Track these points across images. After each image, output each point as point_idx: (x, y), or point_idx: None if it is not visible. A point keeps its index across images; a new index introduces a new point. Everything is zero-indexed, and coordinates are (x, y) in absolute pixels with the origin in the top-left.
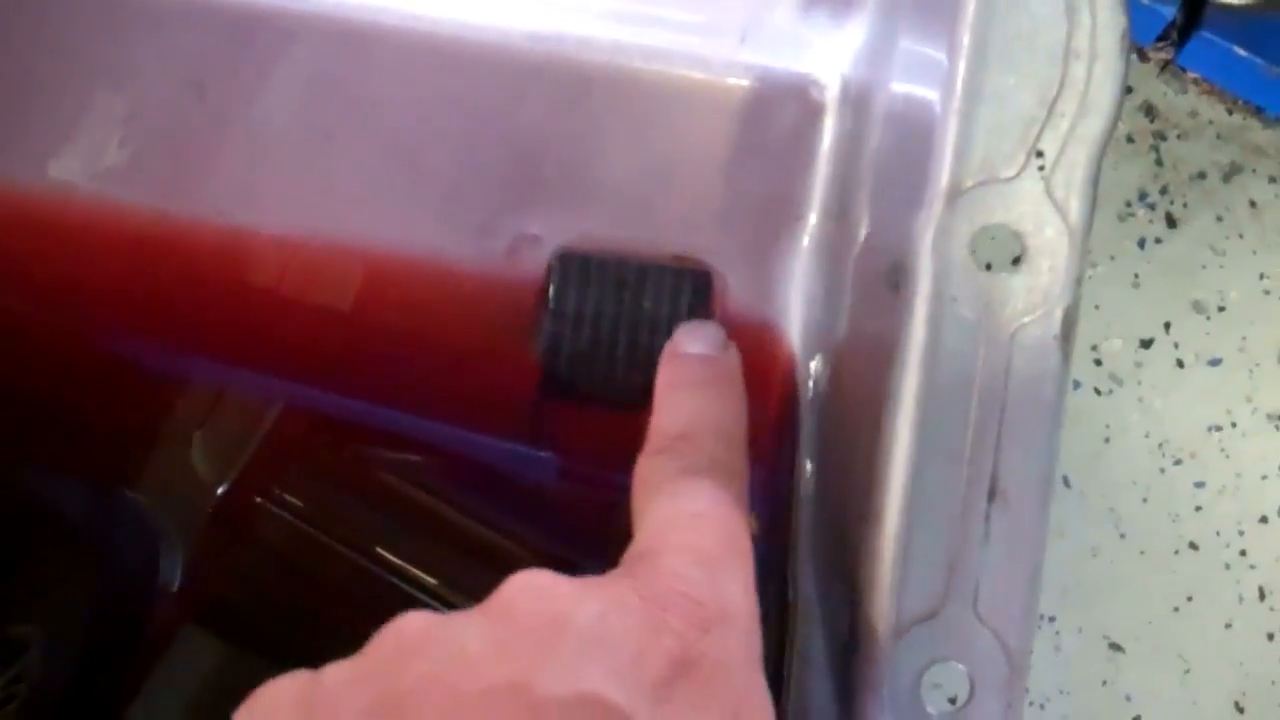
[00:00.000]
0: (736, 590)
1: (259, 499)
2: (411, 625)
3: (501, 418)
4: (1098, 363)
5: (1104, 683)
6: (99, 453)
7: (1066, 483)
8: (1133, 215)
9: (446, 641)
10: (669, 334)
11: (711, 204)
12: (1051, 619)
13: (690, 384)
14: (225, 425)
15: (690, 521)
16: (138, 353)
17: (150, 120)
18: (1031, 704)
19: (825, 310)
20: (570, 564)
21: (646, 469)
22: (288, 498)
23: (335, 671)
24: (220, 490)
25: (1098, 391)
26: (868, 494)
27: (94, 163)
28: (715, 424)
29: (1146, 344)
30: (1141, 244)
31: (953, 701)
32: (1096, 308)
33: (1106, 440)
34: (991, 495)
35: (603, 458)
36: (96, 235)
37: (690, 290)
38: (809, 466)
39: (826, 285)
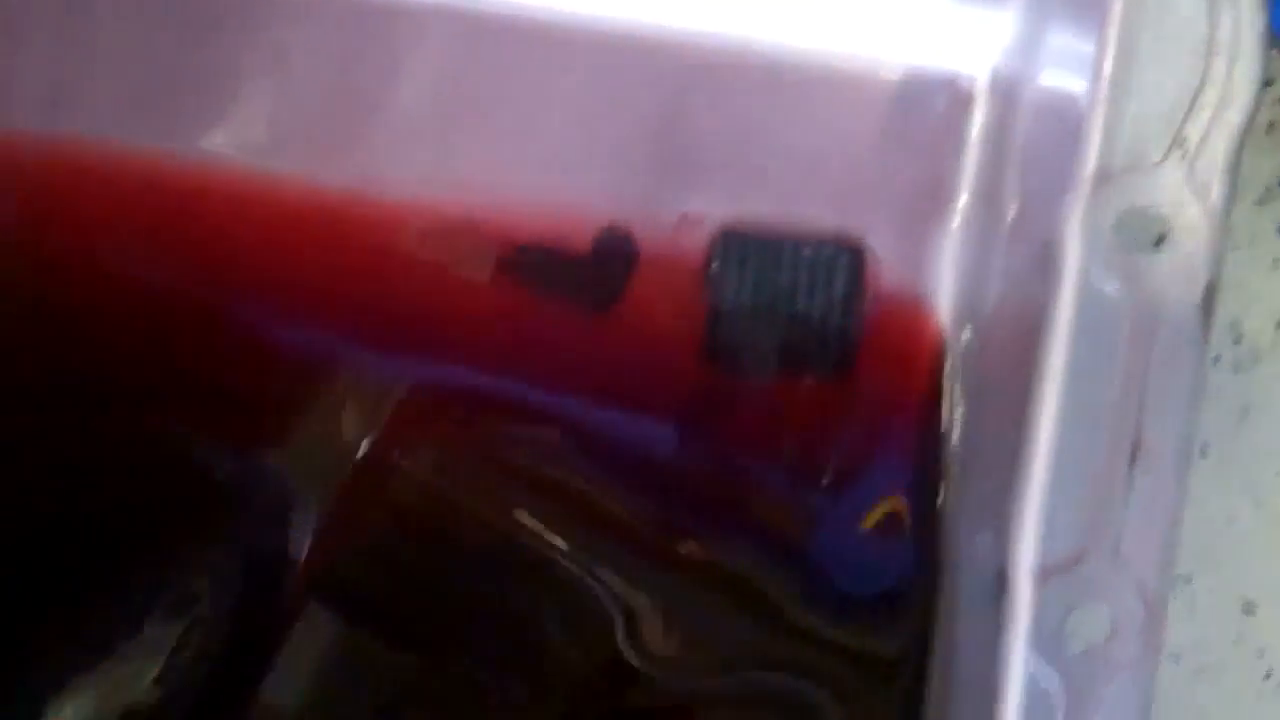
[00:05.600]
0: None
1: (396, 456)
2: None
3: (652, 394)
4: (1237, 341)
5: (1236, 639)
6: (243, 422)
7: (1204, 453)
8: (1273, 200)
9: None
10: (825, 307)
11: (865, 187)
12: (1188, 579)
13: None
14: (367, 393)
15: None
16: (281, 325)
17: (297, 98)
18: (1168, 656)
19: (974, 286)
20: (692, 535)
21: None
22: (421, 460)
23: None
24: (361, 451)
25: (1236, 368)
26: (1015, 456)
27: (243, 136)
28: None
29: None
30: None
31: (1094, 643)
32: (1237, 286)
33: (1244, 415)
34: (1134, 457)
35: (736, 443)
36: (242, 208)
37: (845, 267)
38: (956, 434)
39: (975, 263)
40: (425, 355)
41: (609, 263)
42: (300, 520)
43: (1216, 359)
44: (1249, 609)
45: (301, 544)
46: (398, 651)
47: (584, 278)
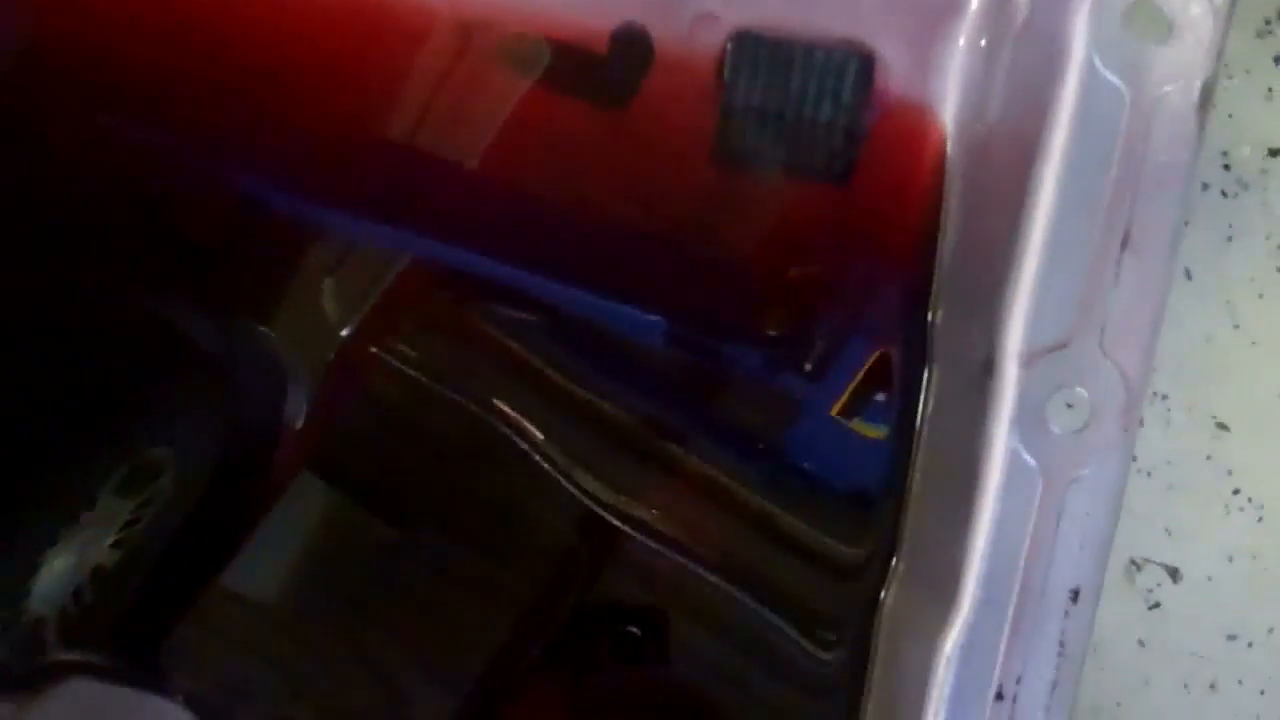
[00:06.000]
0: None
1: (375, 349)
2: None
3: (663, 192)
4: (1226, 168)
5: (1208, 457)
6: (232, 288)
7: (1188, 275)
8: (1271, 33)
9: None
10: (832, 110)
11: None
12: (1164, 397)
13: None
14: (354, 273)
15: None
16: (272, 193)
17: None
18: (1140, 471)
19: (980, 94)
20: (668, 429)
21: None
22: (404, 349)
23: None
24: (343, 334)
25: (1224, 194)
26: (1009, 240)
27: None
28: None
29: (1274, 153)
30: (1277, 60)
31: (1074, 422)
32: (1230, 116)
33: (1229, 239)
34: (1124, 243)
35: (712, 325)
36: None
37: (854, 70)
38: (954, 239)
39: (983, 71)
40: (414, 235)
41: (625, 60)
42: (292, 393)
43: (1205, 186)
44: (1222, 427)
45: (293, 417)
46: (381, 524)
47: (600, 76)
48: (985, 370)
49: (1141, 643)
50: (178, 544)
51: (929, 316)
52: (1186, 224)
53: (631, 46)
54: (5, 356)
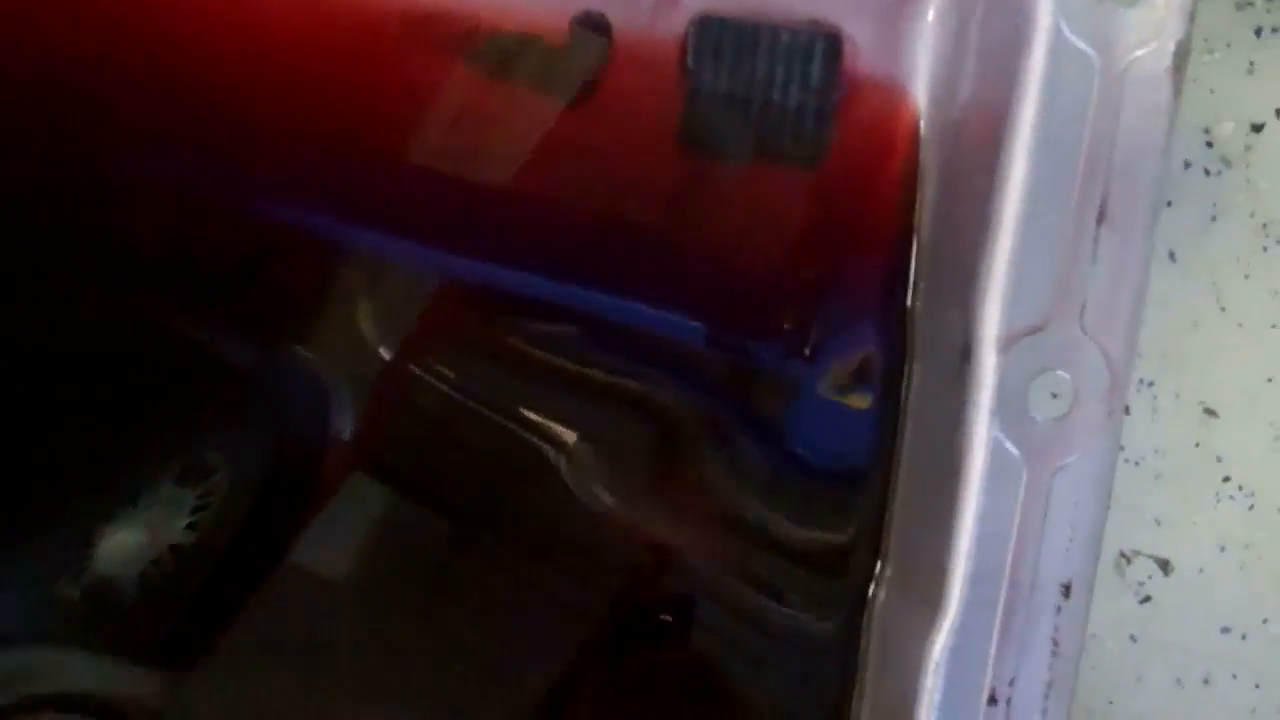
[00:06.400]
0: None
1: (415, 369)
2: None
3: (631, 184)
4: (1209, 144)
5: (1197, 444)
6: (269, 313)
7: (1172, 257)
8: (1251, 4)
9: None
10: (800, 94)
11: None
12: (1150, 383)
13: None
14: (388, 293)
15: None
16: (303, 217)
17: None
18: (1128, 461)
19: (950, 72)
20: (708, 420)
21: None
22: (442, 369)
23: None
24: (385, 357)
25: (1207, 172)
26: (982, 221)
27: None
28: None
29: (1258, 128)
30: (1258, 32)
31: (1056, 408)
32: (1211, 92)
33: (1213, 219)
34: (1101, 218)
35: (749, 330)
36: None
37: (822, 52)
38: (928, 222)
39: (952, 48)
40: (442, 253)
41: (584, 51)
42: (336, 409)
43: (1187, 164)
44: (1210, 413)
45: (339, 430)
46: (434, 517)
47: (558, 67)
48: (964, 357)
49: (1133, 638)
50: (245, 530)
51: (908, 302)
52: (1169, 204)
53: (591, 35)
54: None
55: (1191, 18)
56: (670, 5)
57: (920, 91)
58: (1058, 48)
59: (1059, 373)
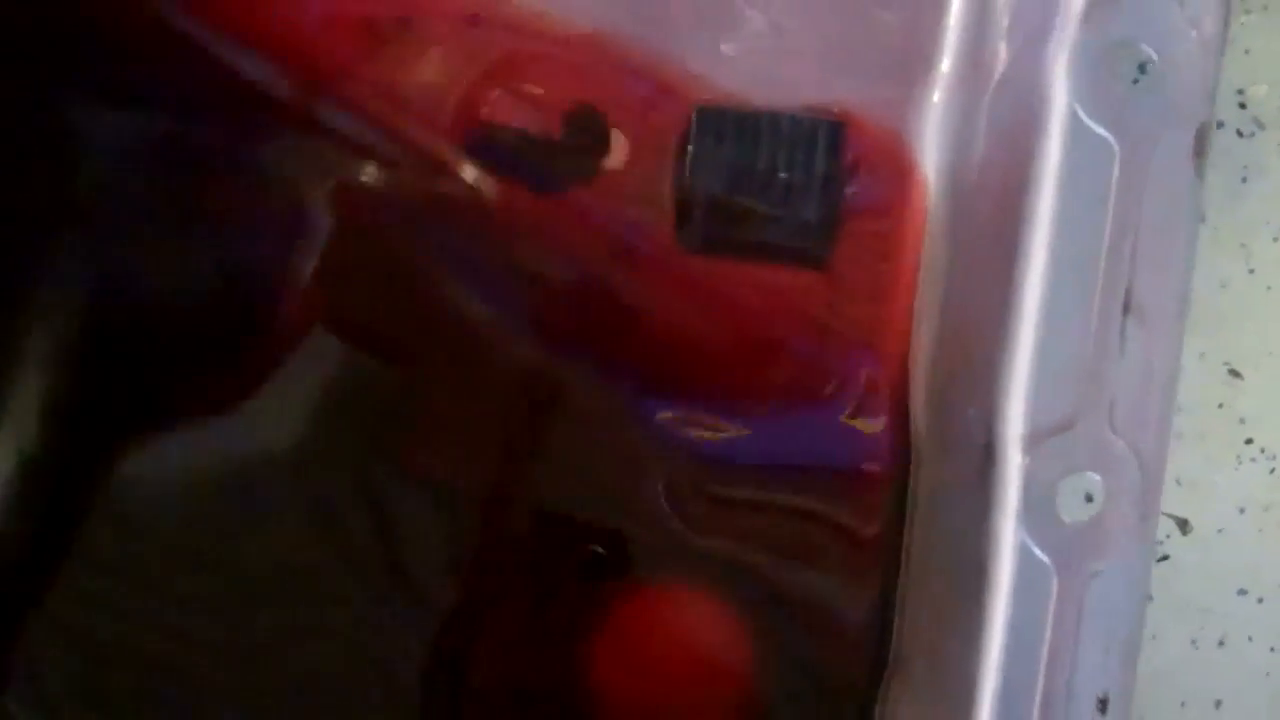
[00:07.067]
0: None
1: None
2: None
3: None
4: (1242, 106)
5: (1220, 405)
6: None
7: (1203, 218)
8: None
9: None
10: (805, 183)
11: (845, 54)
12: None
13: None
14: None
15: None
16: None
17: None
18: None
19: (959, 150)
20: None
21: None
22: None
23: None
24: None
25: (1239, 133)
26: (1001, 313)
27: None
28: None
29: None
30: None
31: (1087, 510)
32: (1246, 53)
33: (1244, 180)
34: (1127, 309)
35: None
36: None
37: (825, 138)
38: (941, 304)
39: (963, 128)
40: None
41: (580, 142)
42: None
43: (1220, 124)
44: (1235, 375)
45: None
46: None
47: (554, 158)
48: (986, 456)
49: (1149, 596)
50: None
51: (918, 398)
52: None
53: (586, 128)
54: None
55: (1212, 99)
56: (666, 95)
57: (929, 177)
58: (1075, 132)
59: (1088, 473)
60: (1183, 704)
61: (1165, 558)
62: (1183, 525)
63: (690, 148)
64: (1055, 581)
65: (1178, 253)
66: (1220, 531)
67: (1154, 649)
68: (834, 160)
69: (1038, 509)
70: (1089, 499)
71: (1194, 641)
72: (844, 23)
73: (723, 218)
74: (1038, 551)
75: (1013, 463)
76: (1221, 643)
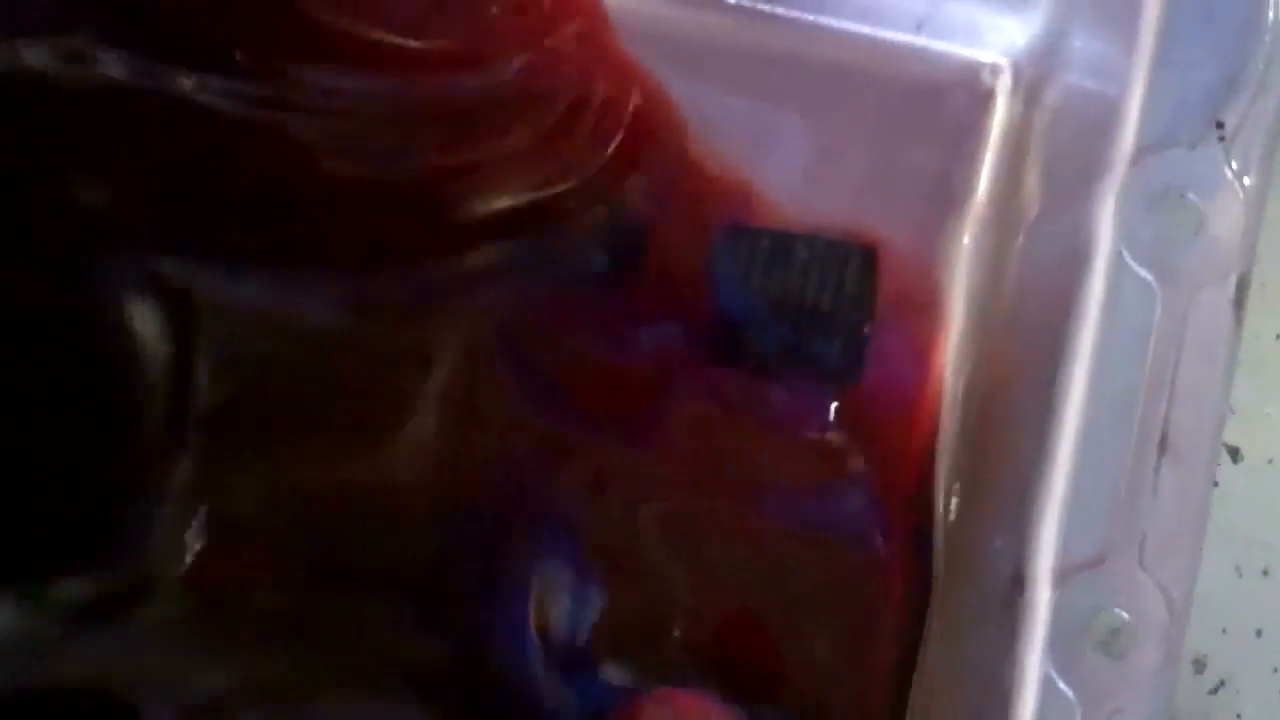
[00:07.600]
0: None
1: None
2: None
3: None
4: None
5: (1277, 336)
6: None
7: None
8: None
9: None
10: (834, 307)
11: (879, 184)
12: None
13: None
14: None
15: None
16: None
17: None
18: None
19: (990, 284)
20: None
21: None
22: None
23: None
24: None
25: None
26: (1037, 443)
27: None
28: None
29: None
30: None
31: (1113, 648)
32: None
33: None
34: (1162, 448)
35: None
36: None
37: (856, 265)
38: (967, 435)
39: (992, 261)
40: None
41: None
42: None
43: None
44: None
45: None
46: None
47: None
48: (1014, 586)
49: None
50: None
51: (940, 525)
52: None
53: (622, 242)
54: None
55: (1253, 250)
56: (699, 211)
57: (958, 306)
58: (1119, 274)
59: (1117, 610)
60: (1224, 630)
61: (1214, 484)
62: (1234, 454)
63: (719, 266)
64: (1079, 716)
65: (1214, 396)
66: (1270, 462)
67: (1199, 574)
68: (864, 286)
69: (1064, 643)
70: (1116, 635)
71: (1238, 569)
72: (885, 152)
73: (753, 335)
74: (1062, 685)
75: (1041, 595)
76: (1266, 572)
